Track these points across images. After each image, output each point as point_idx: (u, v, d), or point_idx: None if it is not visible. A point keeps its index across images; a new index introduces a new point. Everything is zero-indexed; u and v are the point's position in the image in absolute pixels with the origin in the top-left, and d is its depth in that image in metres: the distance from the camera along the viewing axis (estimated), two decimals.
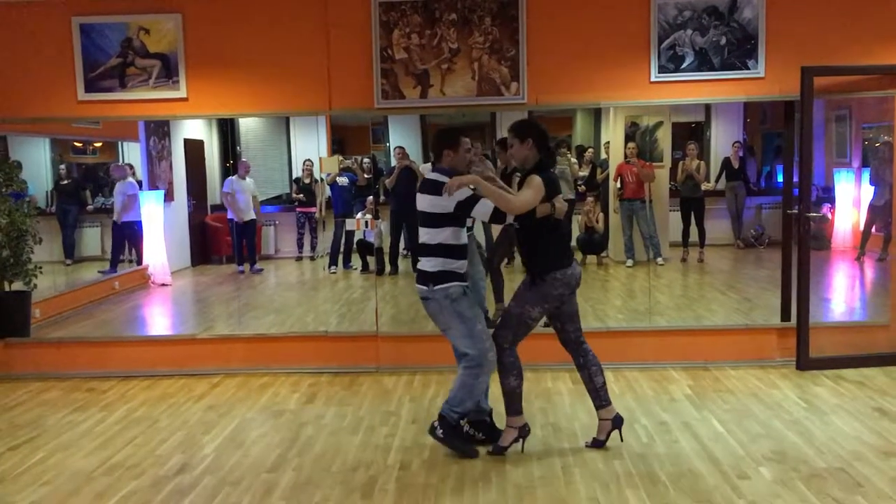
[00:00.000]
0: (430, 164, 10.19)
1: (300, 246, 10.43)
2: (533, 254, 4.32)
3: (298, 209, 10.34)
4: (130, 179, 9.22)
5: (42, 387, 6.04)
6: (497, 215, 4.21)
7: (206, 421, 5.14)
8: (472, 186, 4.23)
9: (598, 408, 4.48)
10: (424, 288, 4.32)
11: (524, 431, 4.44)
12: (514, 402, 4.41)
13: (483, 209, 4.19)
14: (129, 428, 5.04)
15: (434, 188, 4.23)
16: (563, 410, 5.15)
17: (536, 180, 4.20)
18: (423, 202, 4.31)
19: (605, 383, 4.46)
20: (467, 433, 4.51)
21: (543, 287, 4.28)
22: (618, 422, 4.46)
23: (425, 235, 4.32)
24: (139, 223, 9.23)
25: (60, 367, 6.31)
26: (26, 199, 6.82)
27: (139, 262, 9.27)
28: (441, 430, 4.35)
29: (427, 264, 4.31)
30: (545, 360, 6.13)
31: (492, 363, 4.31)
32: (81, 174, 9.53)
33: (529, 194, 4.17)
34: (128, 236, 9.27)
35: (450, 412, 4.35)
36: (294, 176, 10.97)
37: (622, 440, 4.48)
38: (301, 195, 10.31)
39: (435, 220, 4.27)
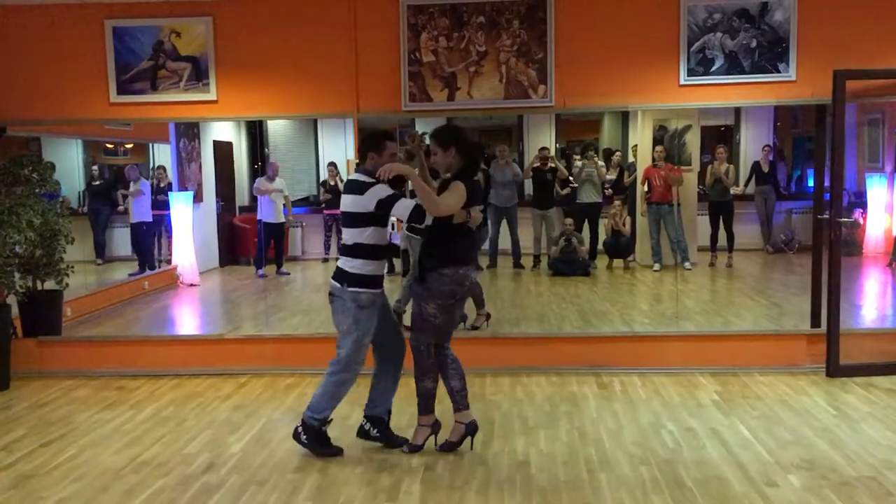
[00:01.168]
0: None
1: (327, 248, 10.50)
2: (427, 253, 4.40)
3: (325, 211, 10.41)
4: (143, 181, 9.33)
5: (73, 384, 6.12)
6: (416, 215, 4.24)
7: (232, 420, 5.18)
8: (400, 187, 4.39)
9: (454, 411, 4.57)
10: (337, 285, 4.37)
11: (436, 427, 4.56)
12: (428, 403, 4.53)
13: (403, 208, 4.23)
14: (158, 426, 5.09)
15: (356, 188, 4.29)
16: (588, 415, 5.13)
17: (461, 187, 4.28)
18: (346, 202, 4.35)
19: (463, 388, 4.53)
20: (363, 429, 4.62)
21: (432, 283, 4.33)
22: (471, 428, 4.52)
23: (347, 235, 4.37)
24: (150, 223, 9.34)
25: (91, 366, 6.40)
26: (59, 200, 6.92)
27: (140, 263, 9.36)
28: (305, 437, 4.47)
29: (346, 264, 4.36)
30: (571, 363, 6.11)
31: (355, 375, 4.46)
32: (113, 175, 9.67)
33: (453, 199, 4.25)
34: (140, 236, 9.38)
35: (311, 419, 4.44)
36: (321, 178, 11.06)
37: (472, 447, 4.53)
38: (328, 197, 10.38)
39: (357, 220, 4.31)
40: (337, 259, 4.55)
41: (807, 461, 4.26)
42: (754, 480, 4.03)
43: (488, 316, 6.98)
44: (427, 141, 4.85)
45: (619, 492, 3.93)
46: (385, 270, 4.45)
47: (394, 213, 4.27)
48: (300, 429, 4.49)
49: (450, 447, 4.51)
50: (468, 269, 4.43)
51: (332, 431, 4.58)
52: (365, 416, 4.64)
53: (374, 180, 4.25)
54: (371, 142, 4.42)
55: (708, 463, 4.28)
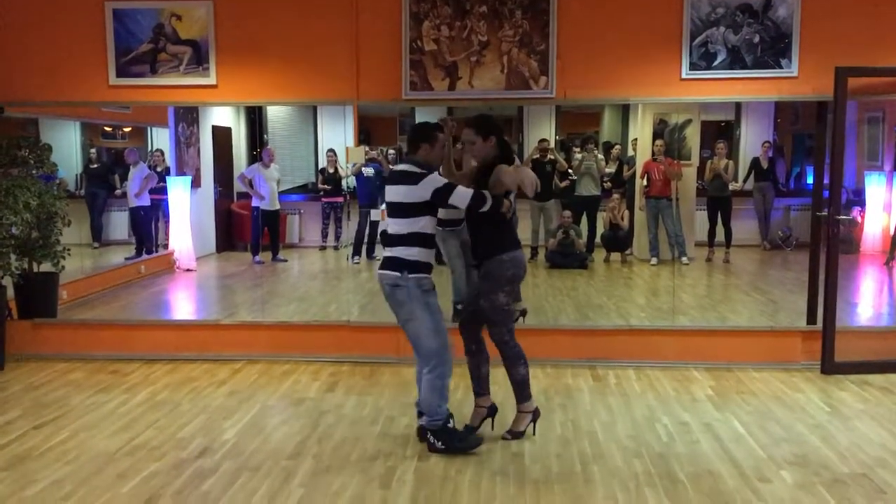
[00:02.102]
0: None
1: (324, 236, 10.47)
2: (481, 242, 4.43)
3: (324, 199, 10.37)
4: (142, 164, 9.30)
5: (67, 367, 6.11)
6: (476, 202, 4.23)
7: (227, 406, 5.18)
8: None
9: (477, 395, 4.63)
10: (396, 274, 4.26)
11: (537, 414, 4.58)
12: (524, 390, 4.52)
13: (461, 196, 4.21)
14: (152, 410, 5.09)
15: (409, 178, 4.25)
16: (582, 407, 5.13)
17: (510, 168, 4.36)
18: (398, 192, 4.28)
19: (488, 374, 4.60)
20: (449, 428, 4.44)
21: (495, 271, 4.36)
22: (492, 410, 4.62)
23: (398, 226, 4.30)
24: (148, 208, 9.31)
25: (86, 349, 6.39)
26: (56, 182, 6.90)
27: (137, 247, 9.34)
28: (440, 443, 4.33)
29: (403, 252, 4.27)
30: (566, 356, 6.12)
31: (450, 360, 4.35)
32: (111, 158, 9.63)
33: (509, 178, 4.34)
34: (138, 220, 9.35)
35: (434, 422, 4.34)
36: (320, 166, 11.01)
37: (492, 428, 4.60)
38: (326, 185, 10.34)
39: (412, 210, 4.25)
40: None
41: (800, 457, 4.27)
42: (747, 476, 4.04)
43: (524, 312, 6.88)
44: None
45: (612, 484, 3.93)
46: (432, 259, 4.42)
47: (452, 202, 4.21)
48: (431, 439, 4.34)
49: (472, 430, 4.55)
50: (520, 252, 4.46)
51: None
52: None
53: (426, 170, 4.24)
54: (424, 133, 4.38)
55: (701, 457, 4.29)
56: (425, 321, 4.29)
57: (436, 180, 4.22)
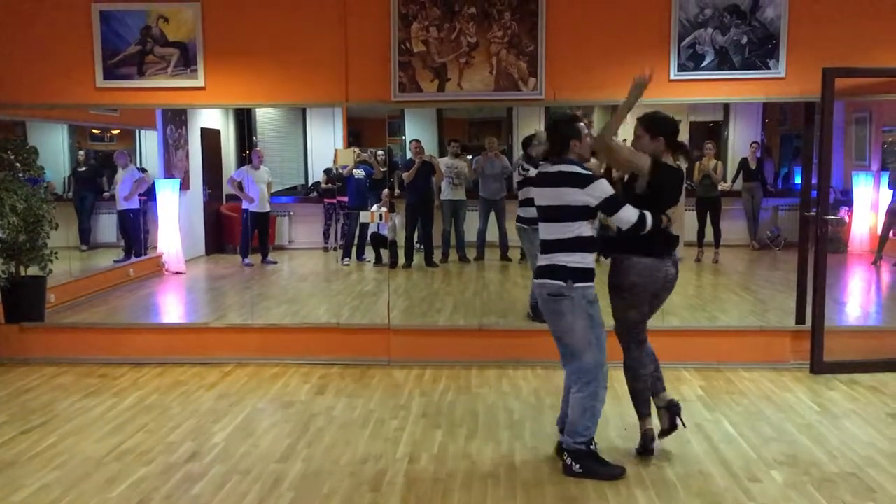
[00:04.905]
0: (447, 157, 10.20)
1: (327, 237, 10.42)
2: (621, 238, 4.15)
3: (326, 200, 10.31)
4: (132, 167, 9.25)
5: (55, 371, 6.07)
6: (638, 228, 3.99)
7: (216, 409, 5.16)
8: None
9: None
10: (561, 284, 3.97)
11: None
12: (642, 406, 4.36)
13: (626, 217, 3.97)
14: (141, 414, 5.07)
15: (573, 180, 3.96)
16: None
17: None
18: (556, 195, 4.01)
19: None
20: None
21: (621, 273, 4.18)
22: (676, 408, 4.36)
23: (557, 231, 4.02)
24: (137, 210, 9.27)
25: (74, 353, 6.35)
26: (43, 185, 6.86)
27: (126, 249, 9.28)
28: (578, 466, 4.02)
29: (566, 259, 3.98)
30: (557, 357, 6.11)
31: (605, 378, 4.09)
32: (99, 161, 9.58)
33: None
34: (127, 223, 9.30)
35: (578, 444, 4.04)
36: (310, 167, 10.98)
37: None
38: (329, 185, 10.25)
39: (577, 214, 3.97)
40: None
41: (789, 457, 4.29)
42: (737, 476, 4.04)
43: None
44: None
45: (603, 486, 3.93)
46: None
47: (614, 219, 3.97)
48: (569, 461, 4.04)
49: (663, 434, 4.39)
50: (663, 261, 4.21)
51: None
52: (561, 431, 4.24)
53: (589, 171, 4.02)
54: (570, 129, 4.08)
55: (691, 458, 4.29)
56: (587, 335, 4.00)
57: (606, 187, 3.97)
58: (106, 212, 9.36)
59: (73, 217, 8.84)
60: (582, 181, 3.96)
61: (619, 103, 4.30)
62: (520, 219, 6.90)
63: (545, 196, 4.09)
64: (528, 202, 5.88)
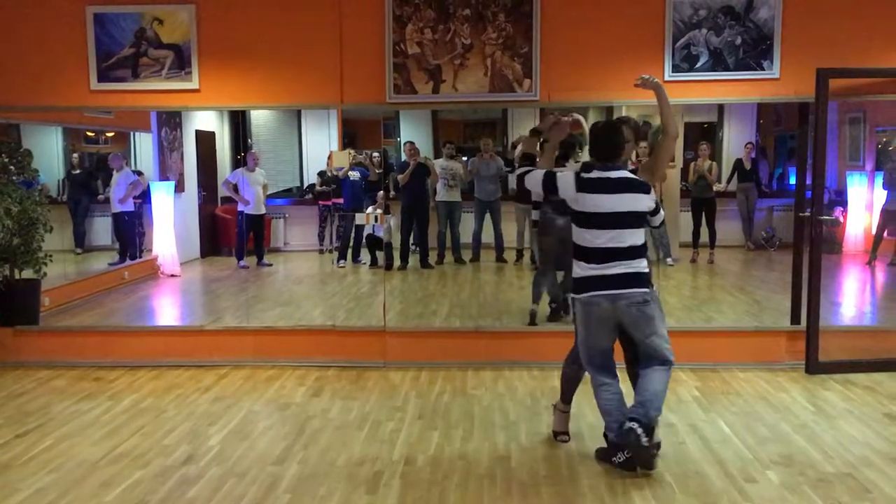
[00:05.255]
0: (443, 159, 10.20)
1: (321, 239, 10.41)
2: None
3: (321, 202, 10.30)
4: (127, 169, 9.23)
5: (50, 374, 6.05)
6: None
7: (212, 412, 5.15)
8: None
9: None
10: (647, 290, 4.07)
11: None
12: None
13: (661, 217, 4.19)
14: (136, 418, 5.05)
15: (639, 187, 4.07)
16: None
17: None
18: (634, 202, 4.06)
19: None
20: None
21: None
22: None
23: (633, 237, 4.07)
24: (132, 213, 9.25)
25: (69, 356, 6.33)
26: (38, 188, 6.85)
27: (121, 252, 9.26)
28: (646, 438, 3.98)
29: (641, 265, 4.08)
30: (553, 358, 6.11)
31: None
32: (94, 164, 9.56)
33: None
34: (122, 226, 9.28)
35: (657, 417, 4.13)
36: (306, 169, 10.97)
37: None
38: (324, 187, 10.24)
39: (641, 220, 4.11)
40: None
41: (785, 457, 4.29)
42: (733, 476, 4.05)
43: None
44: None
45: (599, 487, 3.94)
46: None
47: (654, 220, 4.16)
48: (642, 434, 3.95)
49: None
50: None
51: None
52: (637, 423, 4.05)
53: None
54: (623, 135, 4.18)
55: (687, 458, 4.30)
56: (663, 329, 4.15)
57: (653, 194, 4.14)
58: (100, 214, 9.34)
59: (67, 220, 8.82)
60: (646, 187, 4.10)
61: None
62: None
63: (616, 202, 4.05)
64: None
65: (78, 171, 9.24)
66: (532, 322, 6.63)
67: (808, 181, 6.06)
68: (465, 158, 10.20)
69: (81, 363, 6.28)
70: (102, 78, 6.28)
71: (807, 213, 6.00)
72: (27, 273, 6.56)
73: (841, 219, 10.00)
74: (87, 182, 9.31)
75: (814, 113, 5.86)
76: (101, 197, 9.32)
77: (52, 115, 7.44)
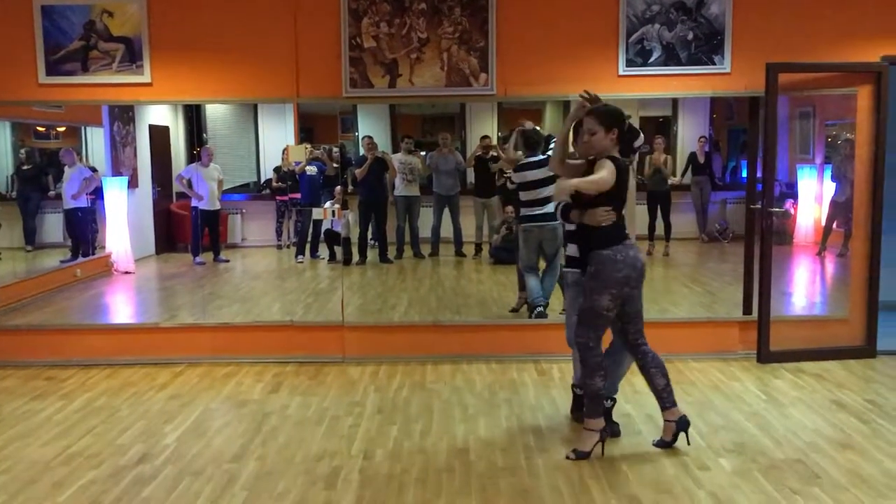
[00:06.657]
0: (401, 153, 10.17)
1: (279, 234, 10.32)
2: (591, 238, 4.24)
3: (279, 197, 10.21)
4: (80, 165, 9.05)
5: (0, 375, 5.92)
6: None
7: (168, 410, 5.08)
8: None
9: (662, 409, 4.38)
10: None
11: (605, 434, 4.28)
12: (596, 405, 4.26)
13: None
14: (89, 417, 4.97)
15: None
16: (527, 402, 5.17)
17: (612, 166, 4.11)
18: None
19: (667, 385, 4.34)
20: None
21: (604, 270, 4.16)
22: (683, 424, 4.32)
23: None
24: (85, 209, 9.07)
25: (19, 356, 6.20)
26: None
27: (73, 249, 9.07)
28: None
29: None
30: (511, 351, 6.16)
31: None
32: (44, 159, 9.35)
33: (609, 174, 4.07)
34: (75, 223, 9.10)
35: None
36: (262, 164, 10.86)
37: (689, 443, 4.34)
38: (280, 183, 10.15)
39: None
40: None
41: (737, 445, 4.38)
42: (687, 464, 4.12)
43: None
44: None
45: (556, 477, 3.98)
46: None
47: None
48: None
49: (665, 445, 4.33)
50: (636, 250, 4.29)
51: None
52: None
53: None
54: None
55: (643, 447, 4.36)
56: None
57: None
58: (51, 211, 9.13)
59: (17, 217, 8.62)
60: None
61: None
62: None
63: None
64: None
65: (28, 167, 9.02)
66: (532, 314, 6.65)
67: (759, 174, 6.17)
68: (423, 153, 10.19)
69: (33, 363, 6.16)
70: (51, 71, 6.15)
71: (758, 206, 6.11)
72: None
73: (792, 211, 10.20)
74: (37, 178, 9.08)
75: (764, 107, 5.97)
76: (51, 193, 9.11)
77: None
